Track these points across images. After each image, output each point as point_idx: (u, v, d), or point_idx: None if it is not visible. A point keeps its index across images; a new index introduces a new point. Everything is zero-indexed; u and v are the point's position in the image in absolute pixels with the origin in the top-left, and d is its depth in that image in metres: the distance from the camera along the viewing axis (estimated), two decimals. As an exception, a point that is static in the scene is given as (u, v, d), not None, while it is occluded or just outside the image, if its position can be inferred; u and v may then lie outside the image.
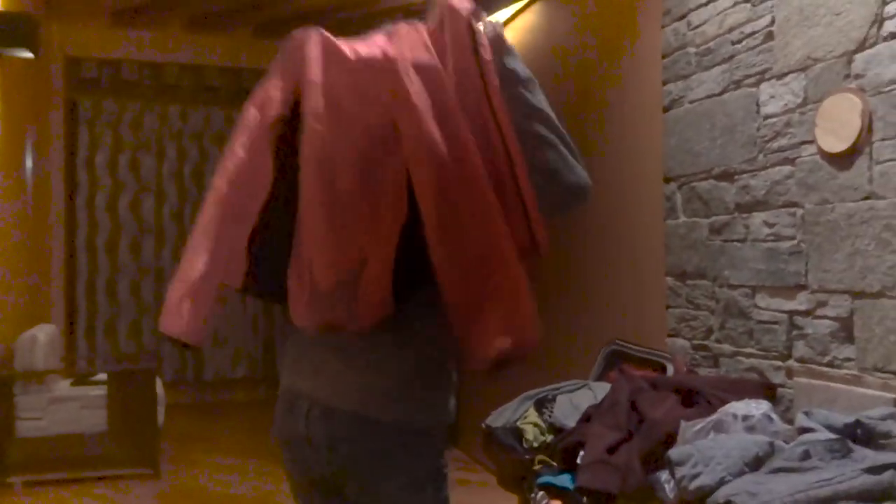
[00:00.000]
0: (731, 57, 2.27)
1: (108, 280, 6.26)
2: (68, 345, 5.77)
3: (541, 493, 1.94)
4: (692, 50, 2.44)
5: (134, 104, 6.27)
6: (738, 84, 2.25)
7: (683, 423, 1.65)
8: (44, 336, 4.27)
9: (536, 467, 2.09)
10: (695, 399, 1.78)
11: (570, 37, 3.29)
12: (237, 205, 1.28)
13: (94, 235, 6.22)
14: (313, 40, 1.29)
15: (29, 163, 5.26)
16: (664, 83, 2.57)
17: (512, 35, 3.88)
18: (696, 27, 2.42)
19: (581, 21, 3.20)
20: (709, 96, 2.36)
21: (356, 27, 5.19)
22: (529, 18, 3.68)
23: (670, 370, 2.40)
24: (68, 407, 4.22)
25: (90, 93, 6.15)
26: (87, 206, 6.20)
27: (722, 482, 1.48)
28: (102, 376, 4.41)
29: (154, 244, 6.39)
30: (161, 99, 6.32)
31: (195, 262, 1.27)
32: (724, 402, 1.72)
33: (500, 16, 3.85)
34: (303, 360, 1.36)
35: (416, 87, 1.19)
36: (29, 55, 4.47)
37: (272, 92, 1.30)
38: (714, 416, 1.64)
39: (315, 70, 1.26)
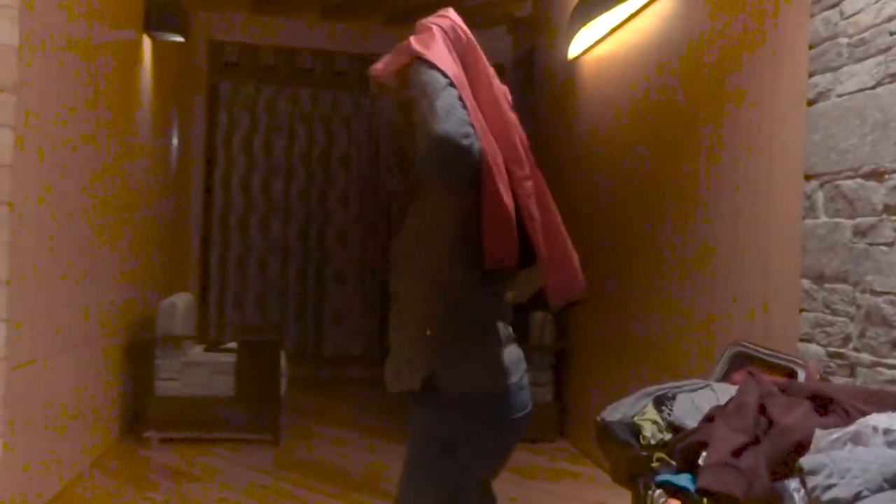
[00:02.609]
0: (889, 49, 2.12)
1: (238, 255, 6.62)
2: (200, 313, 6.15)
3: (658, 490, 1.91)
4: (844, 40, 2.30)
5: (269, 87, 6.57)
6: (894, 78, 2.10)
7: (818, 432, 1.57)
8: (182, 304, 4.57)
9: (655, 465, 2.05)
10: (830, 408, 1.70)
11: (708, 25, 3.17)
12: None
13: (228, 212, 6.58)
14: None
15: (174, 141, 5.62)
16: (810, 75, 2.44)
17: (647, 23, 3.79)
18: (850, 16, 2.28)
19: (720, 8, 3.08)
20: (860, 90, 2.22)
21: (479, 15, 5.25)
22: (664, 6, 3.57)
23: (801, 376, 2.29)
24: (200, 371, 4.51)
25: (230, 76, 6.50)
26: (223, 184, 6.57)
27: (858, 497, 1.40)
28: (232, 345, 4.67)
29: (282, 223, 6.69)
30: (293, 83, 6.59)
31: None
32: (862, 414, 1.62)
33: (634, 3, 3.77)
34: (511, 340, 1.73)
35: None
36: (180, 39, 4.77)
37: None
38: (852, 428, 1.55)
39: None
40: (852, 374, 2.22)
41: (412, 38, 1.59)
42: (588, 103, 4.60)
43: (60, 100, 3.28)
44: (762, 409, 1.72)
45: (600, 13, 4.01)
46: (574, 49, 4.66)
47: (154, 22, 4.58)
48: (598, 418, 2.51)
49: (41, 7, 2.99)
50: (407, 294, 1.67)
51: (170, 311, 4.46)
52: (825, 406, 1.70)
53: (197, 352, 4.66)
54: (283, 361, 4.70)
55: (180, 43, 4.94)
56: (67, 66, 3.35)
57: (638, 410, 2.44)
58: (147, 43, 4.71)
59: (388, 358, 1.73)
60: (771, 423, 1.69)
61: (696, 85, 3.25)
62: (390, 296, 1.73)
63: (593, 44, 4.49)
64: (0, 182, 2.66)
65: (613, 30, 4.20)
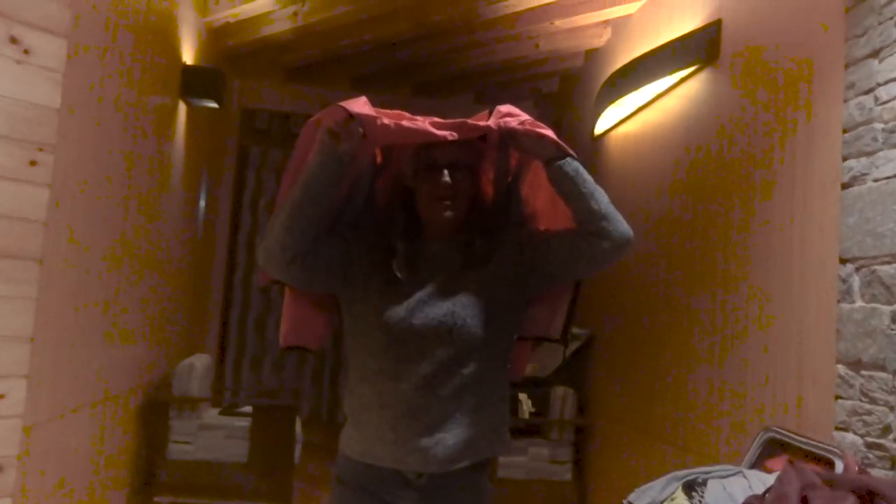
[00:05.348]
0: (926, 135, 2.12)
1: (258, 317, 6.60)
2: (217, 375, 6.10)
3: (692, 584, 1.82)
4: (879, 126, 2.30)
5: (297, 154, 6.67)
6: (932, 164, 2.09)
7: (864, 530, 1.50)
8: (200, 365, 4.54)
9: (686, 556, 1.96)
10: (876, 503, 1.62)
11: (739, 106, 3.19)
12: None
13: (251, 274, 6.60)
14: None
15: (202, 202, 5.69)
16: (844, 159, 2.43)
17: (675, 103, 3.83)
18: (885, 102, 2.28)
19: (750, 91, 3.11)
20: (897, 175, 2.21)
21: (507, 89, 5.34)
22: (693, 87, 3.62)
23: (839, 467, 2.20)
24: (215, 435, 4.44)
25: (260, 141, 6.63)
26: (247, 247, 6.61)
27: None
28: (248, 409, 4.61)
29: (303, 287, 6.68)
30: (322, 150, 6.69)
31: None
32: (911, 511, 1.55)
33: (662, 84, 3.82)
34: None
35: None
36: (214, 105, 4.89)
37: None
38: (901, 526, 1.48)
39: None
40: (893, 466, 2.14)
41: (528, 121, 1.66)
42: (613, 180, 4.62)
43: (96, 160, 3.34)
44: (804, 501, 1.65)
45: (628, 92, 4.07)
46: (601, 126, 4.71)
47: (190, 88, 4.70)
48: (625, 502, 2.42)
49: (83, 71, 3.08)
50: (481, 370, 1.67)
51: (187, 372, 4.43)
52: (870, 501, 1.63)
53: (212, 415, 4.60)
54: (298, 427, 4.62)
55: (213, 108, 5.06)
56: (105, 128, 3.43)
57: (667, 496, 2.35)
58: (182, 108, 4.82)
59: (432, 435, 1.62)
60: (813, 517, 1.62)
61: (727, 165, 3.26)
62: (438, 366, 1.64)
63: (620, 121, 4.55)
64: (33, 239, 2.68)
65: (640, 108, 4.25)
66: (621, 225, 1.61)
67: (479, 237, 1.70)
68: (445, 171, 1.65)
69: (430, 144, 1.63)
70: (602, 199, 1.62)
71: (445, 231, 1.71)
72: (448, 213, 1.67)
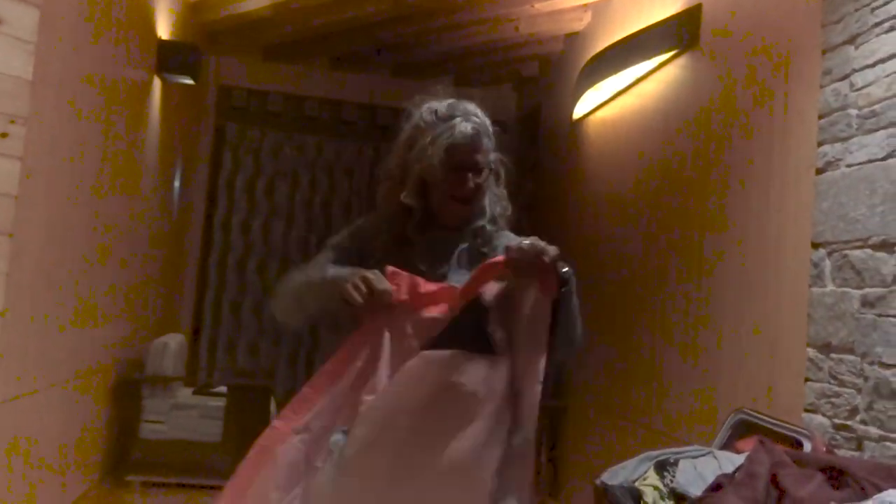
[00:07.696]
0: (899, 122, 2.15)
1: (233, 297, 6.55)
2: (191, 355, 6.05)
3: (662, 560, 1.84)
4: (854, 112, 2.33)
5: (275, 133, 6.60)
6: (905, 150, 2.12)
7: (832, 506, 1.53)
8: (174, 344, 4.50)
9: (658, 533, 1.99)
10: (844, 481, 1.65)
11: (716, 92, 3.22)
12: None
13: (226, 254, 6.53)
14: None
15: (178, 180, 5.62)
16: (819, 144, 2.46)
17: (653, 87, 3.84)
18: (860, 88, 2.31)
19: (728, 76, 3.13)
20: (870, 161, 2.24)
21: (487, 73, 5.31)
22: (672, 72, 3.63)
23: (807, 447, 2.24)
24: (188, 414, 4.41)
25: (237, 119, 6.54)
26: (223, 226, 6.54)
27: (875, 576, 1.36)
28: (222, 389, 4.58)
29: (279, 268, 6.64)
30: (300, 130, 6.64)
31: None
32: (878, 489, 1.58)
33: (642, 68, 3.83)
34: None
35: None
36: (190, 82, 4.82)
37: None
38: (868, 503, 1.51)
39: None
40: (859, 447, 2.18)
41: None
42: (592, 164, 4.64)
43: (70, 134, 3.28)
44: (773, 480, 1.68)
45: (607, 76, 4.08)
46: (579, 110, 4.72)
47: (166, 64, 4.63)
48: (598, 482, 2.44)
49: (58, 43, 3.01)
50: None
51: (161, 350, 4.39)
52: (839, 479, 1.66)
53: (185, 394, 4.57)
54: (272, 407, 4.61)
55: (190, 85, 4.99)
56: (79, 102, 3.36)
57: (639, 475, 2.38)
58: (157, 83, 4.74)
59: None
60: (782, 494, 1.65)
61: (704, 150, 3.28)
62: None
63: (598, 105, 4.56)
64: (4, 213, 2.63)
65: (619, 93, 4.26)
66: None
67: (478, 237, 1.79)
68: (470, 175, 1.73)
69: (457, 148, 1.71)
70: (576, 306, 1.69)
71: (454, 223, 1.79)
72: (463, 213, 1.77)
